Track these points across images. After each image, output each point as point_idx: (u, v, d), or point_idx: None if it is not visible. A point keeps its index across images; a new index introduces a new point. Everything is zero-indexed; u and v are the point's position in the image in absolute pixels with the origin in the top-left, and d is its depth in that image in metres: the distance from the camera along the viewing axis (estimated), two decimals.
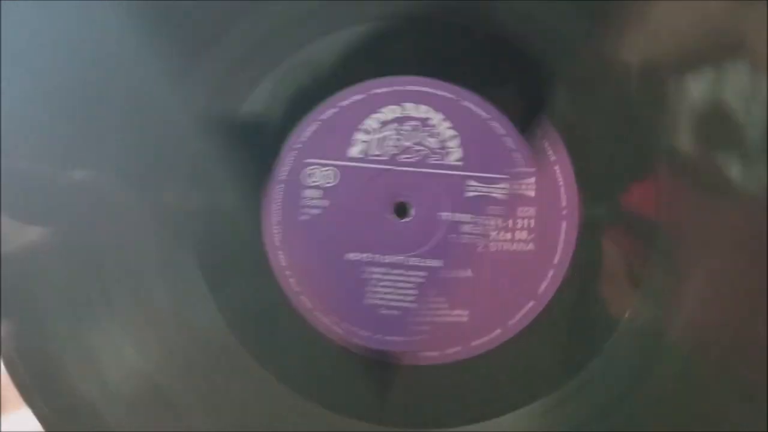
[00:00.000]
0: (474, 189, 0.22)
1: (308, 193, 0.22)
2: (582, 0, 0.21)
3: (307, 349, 0.22)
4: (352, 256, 0.22)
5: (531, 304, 0.21)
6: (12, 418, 0.24)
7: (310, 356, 0.22)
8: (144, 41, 0.21)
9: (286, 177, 0.22)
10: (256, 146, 0.22)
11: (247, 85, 0.22)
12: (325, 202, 0.22)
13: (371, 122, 0.22)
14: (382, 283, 0.22)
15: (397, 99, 0.22)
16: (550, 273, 0.21)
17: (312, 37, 0.22)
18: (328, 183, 0.22)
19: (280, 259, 0.22)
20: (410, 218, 0.22)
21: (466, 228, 0.22)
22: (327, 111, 0.22)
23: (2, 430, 0.25)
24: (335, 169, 0.22)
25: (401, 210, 0.23)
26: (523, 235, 0.21)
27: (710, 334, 0.21)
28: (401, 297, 0.22)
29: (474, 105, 0.22)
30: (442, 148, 0.22)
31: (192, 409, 0.21)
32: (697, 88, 0.20)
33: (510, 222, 0.21)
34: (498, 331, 0.22)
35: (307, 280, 0.22)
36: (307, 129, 0.22)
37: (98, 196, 0.21)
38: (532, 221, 0.21)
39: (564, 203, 0.21)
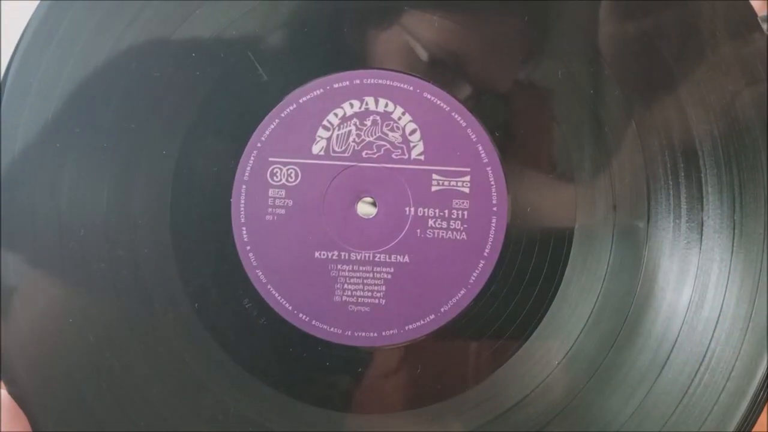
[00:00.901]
0: (438, 183, 0.22)
1: (272, 192, 0.22)
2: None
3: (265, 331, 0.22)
4: (319, 254, 0.22)
5: (463, 292, 0.22)
6: None
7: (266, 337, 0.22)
8: None
9: (248, 177, 0.22)
10: (217, 147, 0.22)
11: (205, 82, 0.22)
12: (290, 201, 0.22)
13: (332, 118, 0.22)
14: (350, 280, 0.22)
15: (357, 93, 0.22)
16: (481, 263, 0.22)
17: (269, 31, 0.22)
18: (291, 182, 0.22)
19: (250, 258, 0.22)
20: (375, 214, 0.22)
21: (431, 223, 0.22)
22: (286, 108, 0.22)
23: None
24: (297, 167, 0.22)
25: (367, 206, 0.22)
26: (458, 224, 0.22)
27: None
28: (370, 293, 0.22)
29: (434, 96, 0.22)
30: (404, 142, 0.22)
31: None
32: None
33: (446, 211, 0.22)
34: (431, 316, 0.22)
35: (278, 279, 0.22)
36: (268, 127, 0.22)
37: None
38: (466, 213, 0.22)
39: (495, 201, 0.22)
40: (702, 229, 0.21)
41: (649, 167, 0.22)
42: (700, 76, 0.21)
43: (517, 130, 0.22)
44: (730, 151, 0.21)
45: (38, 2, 0.21)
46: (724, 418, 0.20)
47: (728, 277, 0.21)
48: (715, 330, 0.21)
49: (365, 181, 0.22)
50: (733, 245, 0.21)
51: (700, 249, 0.21)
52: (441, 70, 0.22)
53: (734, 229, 0.21)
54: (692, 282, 0.21)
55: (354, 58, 0.22)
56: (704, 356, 0.21)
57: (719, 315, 0.21)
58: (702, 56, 0.21)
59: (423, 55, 0.22)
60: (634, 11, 0.21)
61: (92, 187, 0.22)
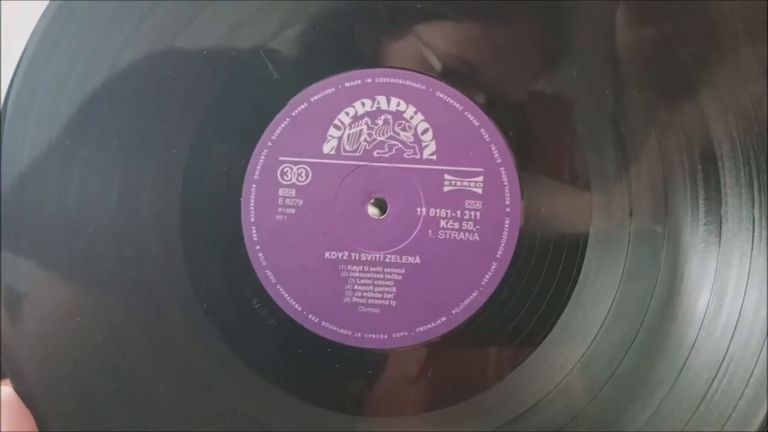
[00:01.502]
0: (451, 183, 0.22)
1: (282, 192, 0.22)
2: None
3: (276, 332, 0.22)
4: (329, 254, 0.22)
5: (475, 294, 0.21)
6: None
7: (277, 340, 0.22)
8: None
9: (258, 176, 0.22)
10: (227, 146, 0.22)
11: (215, 80, 0.22)
12: (300, 201, 0.22)
13: (343, 117, 0.22)
14: (361, 281, 0.22)
15: (369, 92, 0.22)
16: (493, 265, 0.21)
17: (281, 30, 0.22)
18: (302, 181, 0.22)
19: (259, 258, 0.22)
20: (387, 215, 0.22)
21: (443, 223, 0.22)
22: (298, 107, 0.22)
23: None
24: (308, 166, 0.22)
25: (378, 206, 0.22)
26: (470, 225, 0.21)
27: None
28: (380, 295, 0.22)
29: (447, 96, 0.22)
30: (416, 141, 0.22)
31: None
32: None
33: (458, 212, 0.21)
34: (443, 318, 0.22)
35: (288, 279, 0.22)
36: (278, 126, 0.22)
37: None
38: (478, 214, 0.21)
39: (508, 201, 0.21)
40: (720, 232, 0.21)
41: (667, 170, 0.21)
42: (720, 78, 0.20)
43: (532, 129, 0.22)
44: (750, 153, 0.21)
45: (44, 2, 0.21)
46: (742, 425, 0.20)
47: (747, 281, 0.20)
48: (733, 336, 0.20)
49: (376, 181, 0.22)
50: (752, 248, 0.21)
51: (719, 252, 0.21)
52: (455, 78, 0.21)
53: (753, 231, 0.21)
54: (710, 286, 0.21)
55: (366, 56, 0.22)
56: (722, 362, 0.20)
57: (738, 320, 0.20)
58: (723, 58, 0.20)
59: (436, 65, 0.21)
60: (652, 15, 0.21)
61: (101, 186, 0.22)
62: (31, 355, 0.21)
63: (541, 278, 0.21)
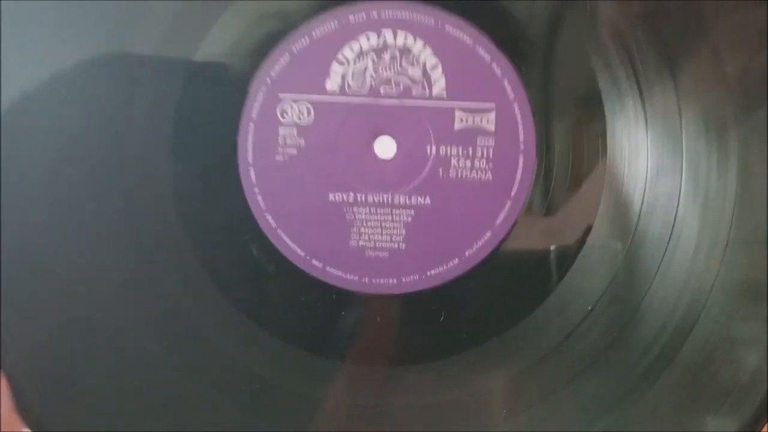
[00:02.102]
0: (462, 120, 0.21)
1: (283, 131, 0.21)
2: None
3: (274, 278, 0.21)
4: (334, 196, 0.21)
5: (488, 234, 0.20)
6: None
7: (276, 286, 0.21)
8: None
9: (256, 115, 0.21)
10: (223, 83, 0.20)
11: (208, 17, 0.20)
12: (302, 141, 0.21)
13: (347, 52, 0.21)
14: (368, 224, 0.21)
15: (374, 26, 0.21)
16: (507, 204, 0.20)
17: None
18: (303, 120, 0.21)
19: (258, 201, 0.21)
20: (394, 154, 0.21)
21: (454, 162, 0.21)
22: (298, 41, 0.21)
23: None
24: (310, 104, 0.21)
25: (384, 145, 0.21)
26: (482, 163, 0.20)
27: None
28: (389, 238, 0.21)
29: (457, 30, 0.21)
30: (425, 77, 0.21)
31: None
32: None
33: (470, 149, 0.20)
34: (455, 260, 0.21)
35: (289, 223, 0.20)
36: (278, 62, 0.21)
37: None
38: (491, 151, 0.20)
39: (522, 138, 0.20)
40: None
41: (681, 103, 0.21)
42: None
43: (546, 63, 0.21)
44: None
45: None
46: None
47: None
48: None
49: (383, 119, 0.21)
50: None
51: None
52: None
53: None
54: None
55: None
56: None
57: None
58: None
59: None
60: None
61: (83, 126, 0.20)
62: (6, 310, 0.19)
63: (557, 215, 0.20)
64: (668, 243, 0.20)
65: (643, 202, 0.21)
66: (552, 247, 0.21)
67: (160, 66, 0.20)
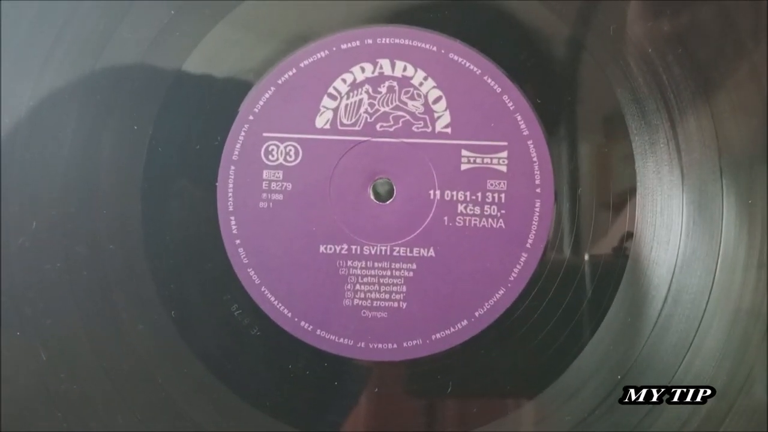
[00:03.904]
0: (469, 160, 0.19)
1: (267, 174, 0.19)
2: None
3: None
4: (325, 248, 0.19)
5: (501, 292, 0.19)
6: None
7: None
8: None
9: (238, 156, 0.19)
10: (200, 122, 0.19)
11: (187, 42, 0.19)
12: (288, 185, 0.19)
13: (339, 85, 0.19)
14: (364, 280, 0.19)
15: (369, 55, 0.19)
16: (523, 256, 0.19)
17: None
18: (290, 161, 0.19)
19: (239, 254, 0.19)
20: (393, 199, 0.19)
21: (461, 208, 0.19)
22: (284, 73, 0.19)
23: None
24: (297, 144, 0.19)
25: (382, 190, 0.19)
26: (493, 210, 0.19)
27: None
28: (387, 296, 0.19)
29: (463, 58, 0.19)
30: (427, 112, 0.19)
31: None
32: None
33: (479, 194, 0.19)
34: (464, 322, 0.19)
35: (274, 280, 0.19)
36: (262, 96, 0.19)
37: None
38: (503, 195, 0.19)
39: (538, 181, 0.19)
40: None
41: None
42: None
43: (564, 95, 0.19)
44: None
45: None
46: None
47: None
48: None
49: (380, 160, 0.19)
50: None
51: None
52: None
53: None
54: None
55: (365, 12, 0.19)
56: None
57: None
58: None
59: None
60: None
61: (46, 168, 0.19)
62: None
63: (580, 271, 0.18)
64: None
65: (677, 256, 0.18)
66: (581, 306, 0.18)
67: (133, 100, 0.19)
